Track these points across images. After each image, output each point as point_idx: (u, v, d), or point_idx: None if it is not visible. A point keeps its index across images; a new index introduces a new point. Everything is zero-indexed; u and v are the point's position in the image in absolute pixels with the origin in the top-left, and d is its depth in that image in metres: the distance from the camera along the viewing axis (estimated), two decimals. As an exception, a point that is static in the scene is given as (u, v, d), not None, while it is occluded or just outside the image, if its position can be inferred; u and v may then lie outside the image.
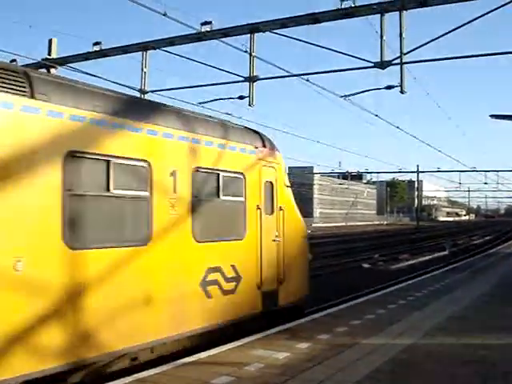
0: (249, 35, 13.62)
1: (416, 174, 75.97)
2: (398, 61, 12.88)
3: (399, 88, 13.34)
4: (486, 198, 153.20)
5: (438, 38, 12.64)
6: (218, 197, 10.61)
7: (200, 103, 16.24)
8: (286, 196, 12.75)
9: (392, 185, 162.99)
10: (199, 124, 10.45)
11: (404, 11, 12.59)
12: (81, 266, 7.72)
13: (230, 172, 10.90)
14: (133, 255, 8.59)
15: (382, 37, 12.79)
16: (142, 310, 8.65)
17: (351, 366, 8.48)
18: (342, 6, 12.70)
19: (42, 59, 15.25)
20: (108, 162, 8.25)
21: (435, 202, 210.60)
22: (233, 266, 10.74)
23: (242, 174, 11.20)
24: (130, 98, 9.85)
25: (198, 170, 10.01)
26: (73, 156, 7.73)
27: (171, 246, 9.37)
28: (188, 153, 9.87)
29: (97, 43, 14.79)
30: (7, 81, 7.19)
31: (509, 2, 11.83)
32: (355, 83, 20.30)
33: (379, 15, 12.77)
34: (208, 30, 13.38)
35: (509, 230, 78.69)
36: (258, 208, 11.64)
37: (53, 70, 15.51)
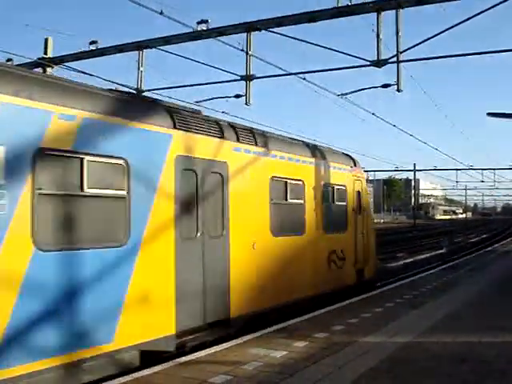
0: (245, 34, 13.61)
1: (413, 172, 75.99)
2: (394, 59, 12.88)
3: (396, 86, 13.35)
4: (482, 196, 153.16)
5: (434, 36, 12.64)
6: (333, 202, 15.63)
7: (197, 102, 16.23)
8: (366, 201, 18.16)
9: (389, 183, 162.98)
10: (324, 153, 15.51)
11: (400, 9, 12.59)
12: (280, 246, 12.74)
13: (339, 185, 15.93)
14: (299, 242, 13.65)
15: (378, 35, 12.79)
16: (299, 279, 13.56)
17: (348, 365, 8.49)
18: (339, 5, 12.70)
19: (38, 58, 15.22)
20: (286, 182, 13.19)
21: (432, 200, 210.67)
22: (341, 250, 15.75)
23: (344, 186, 16.24)
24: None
25: (325, 185, 15.10)
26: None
27: (313, 236, 14.23)
28: (322, 173, 15.03)
29: (93, 42, 14.77)
30: None
31: (503, 2, 11.84)
32: (355, 82, 20.31)
33: (375, 14, 12.78)
34: (204, 28, 13.37)
35: (505, 229, 78.79)
36: (353, 210, 16.70)
37: (49, 70, 15.49)
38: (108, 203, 8.54)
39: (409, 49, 12.78)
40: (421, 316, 12.55)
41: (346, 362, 8.61)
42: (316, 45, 13.83)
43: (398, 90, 13.24)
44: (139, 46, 14.28)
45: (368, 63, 13.05)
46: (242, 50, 13.68)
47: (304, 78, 15.20)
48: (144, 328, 8.81)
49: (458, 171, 48.50)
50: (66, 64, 14.92)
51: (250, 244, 11.63)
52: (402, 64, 13.03)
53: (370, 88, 17.15)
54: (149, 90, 15.22)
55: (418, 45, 12.77)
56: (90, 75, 14.10)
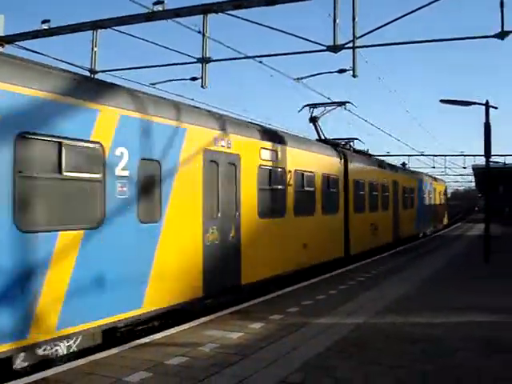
0: (201, 16, 13.47)
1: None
2: (350, 44, 12.96)
3: (352, 72, 13.45)
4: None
5: (390, 22, 12.76)
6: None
7: (152, 84, 16.02)
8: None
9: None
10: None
11: (357, -5, 12.66)
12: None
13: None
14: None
15: (334, 20, 12.82)
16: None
17: (303, 345, 8.63)
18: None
19: (-12, 37, 14.74)
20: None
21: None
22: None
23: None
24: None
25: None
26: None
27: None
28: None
29: (45, 21, 14.38)
30: None
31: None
32: (314, 66, 20.39)
33: (333, -1, 12.81)
34: (160, 9, 13.17)
35: (454, 214, 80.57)
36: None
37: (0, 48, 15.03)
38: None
39: (365, 34, 12.86)
40: (374, 298, 12.82)
41: (301, 343, 8.74)
42: (273, 28, 13.78)
43: (354, 76, 13.34)
44: (94, 25, 13.97)
45: (324, 48, 13.09)
46: (199, 32, 13.55)
47: (261, 62, 15.16)
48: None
49: (410, 157, 49.29)
50: (18, 43, 14.51)
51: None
52: (366, 49, 13.12)
53: (326, 73, 17.29)
54: (103, 71, 14.95)
55: (373, 31, 12.85)
56: (43, 55, 13.76)
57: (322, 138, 23.16)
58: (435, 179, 45.50)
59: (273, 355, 8.02)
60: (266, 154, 14.34)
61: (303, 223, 16.37)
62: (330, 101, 23.00)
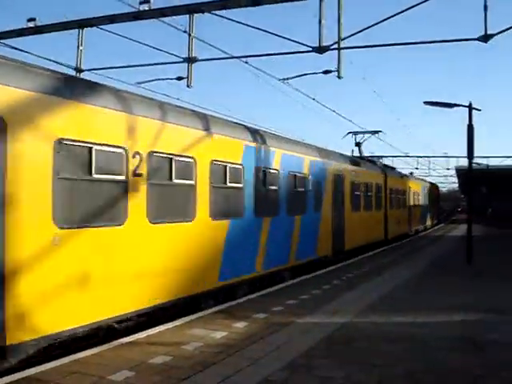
0: (187, 15, 13.50)
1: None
2: (336, 46, 13.04)
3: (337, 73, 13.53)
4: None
5: (377, 24, 12.86)
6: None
7: (138, 83, 16.02)
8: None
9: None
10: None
11: (343, -3, 12.74)
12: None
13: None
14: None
15: (320, 21, 12.91)
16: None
17: (287, 344, 8.68)
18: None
19: (-28, 34, 14.66)
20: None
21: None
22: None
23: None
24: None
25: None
26: None
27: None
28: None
29: (31, 19, 14.34)
30: None
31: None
32: (300, 67, 20.45)
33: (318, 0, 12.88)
34: (146, 8, 13.19)
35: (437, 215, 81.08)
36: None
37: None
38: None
39: (350, 36, 12.96)
40: (357, 297, 12.91)
41: (285, 342, 8.79)
42: (259, 29, 13.83)
43: (339, 77, 13.42)
44: (80, 24, 13.95)
45: (310, 49, 13.17)
46: (185, 32, 13.58)
47: (246, 62, 15.21)
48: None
49: (394, 158, 49.65)
50: (2, 41, 14.45)
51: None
52: (345, 51, 13.21)
53: (312, 74, 17.34)
54: (89, 70, 14.93)
55: (358, 32, 12.96)
56: (28, 53, 13.72)
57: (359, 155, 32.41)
58: (431, 183, 50.02)
59: (257, 354, 8.06)
60: (359, 175, 24.39)
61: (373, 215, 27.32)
62: (366, 130, 33.15)
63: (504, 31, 11.97)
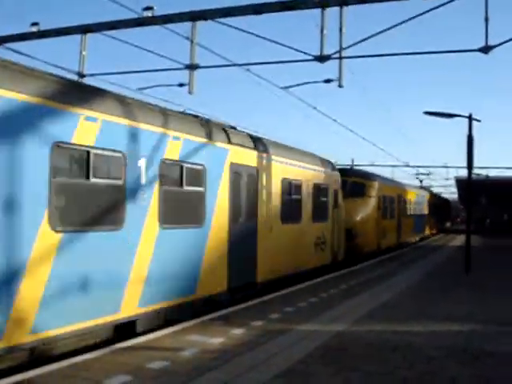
0: (190, 23, 13.56)
1: (350, 167, 77.28)
2: (337, 55, 13.10)
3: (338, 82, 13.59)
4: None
5: (378, 34, 12.92)
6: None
7: (140, 89, 16.10)
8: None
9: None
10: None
11: (345, 6, 12.81)
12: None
13: (324, 185, 20.68)
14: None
15: (322, 31, 12.96)
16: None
17: (284, 351, 8.70)
18: (284, -1, 12.80)
19: (-25, 38, 14.72)
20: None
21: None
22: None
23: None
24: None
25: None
26: None
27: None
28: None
29: (34, 24, 14.40)
30: None
31: (446, 3, 12.22)
32: (299, 76, 20.57)
33: (320, 9, 12.94)
34: (150, 15, 13.25)
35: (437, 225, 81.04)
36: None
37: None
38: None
39: (352, 45, 13.01)
40: (354, 305, 12.93)
41: (282, 349, 8.81)
42: (260, 37, 13.89)
43: (340, 86, 13.48)
44: (84, 29, 14.01)
45: (311, 58, 13.22)
46: (187, 39, 13.64)
47: (248, 70, 15.29)
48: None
49: (395, 168, 49.84)
50: (6, 45, 14.50)
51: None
52: (346, 60, 13.27)
53: (313, 83, 17.43)
54: (91, 75, 14.98)
55: (360, 42, 13.00)
56: (31, 57, 13.78)
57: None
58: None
59: (254, 361, 8.09)
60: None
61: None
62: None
63: (505, 43, 12.03)
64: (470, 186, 22.61)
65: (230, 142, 13.51)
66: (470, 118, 20.87)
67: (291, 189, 17.07)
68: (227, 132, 13.60)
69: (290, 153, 17.40)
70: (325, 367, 7.87)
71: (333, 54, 13.04)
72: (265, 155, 15.28)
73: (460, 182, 50.19)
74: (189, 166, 11.63)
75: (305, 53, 13.25)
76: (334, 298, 14.12)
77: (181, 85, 15.59)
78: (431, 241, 47.67)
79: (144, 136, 10.23)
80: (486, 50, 12.13)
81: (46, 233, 8.04)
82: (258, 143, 15.17)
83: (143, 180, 10.15)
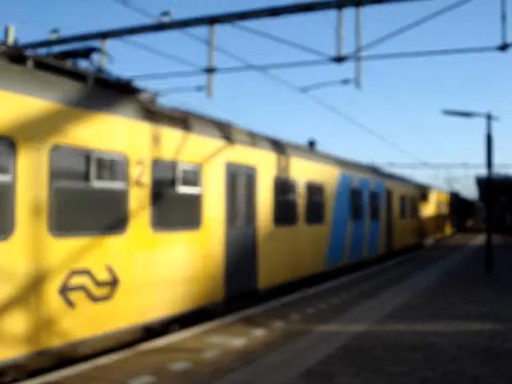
0: (208, 26, 13.68)
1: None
2: (354, 56, 13.12)
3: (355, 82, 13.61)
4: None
5: (395, 33, 12.92)
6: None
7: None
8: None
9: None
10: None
11: (361, 7, 12.84)
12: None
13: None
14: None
15: (338, 32, 13.02)
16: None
17: (306, 352, 8.74)
18: (300, 1, 12.87)
19: (-3, 45, 14.95)
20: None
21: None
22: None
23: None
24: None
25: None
26: None
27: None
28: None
29: (54, 31, 14.62)
30: None
31: (461, 3, 12.20)
32: (316, 76, 20.60)
33: (336, 10, 12.98)
34: (167, 20, 13.39)
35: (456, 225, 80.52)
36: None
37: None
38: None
39: (369, 46, 13.03)
40: (375, 306, 12.92)
41: (303, 350, 8.86)
42: (277, 39, 13.97)
43: (357, 87, 13.50)
44: (103, 35, 14.18)
45: (328, 59, 13.26)
46: (205, 42, 13.74)
47: (265, 72, 15.35)
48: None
49: (414, 167, 49.44)
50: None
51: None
52: (364, 61, 13.28)
53: (330, 83, 17.42)
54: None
55: (377, 42, 13.02)
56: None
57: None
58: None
59: (275, 362, 8.14)
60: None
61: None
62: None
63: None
64: (489, 184, 22.46)
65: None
66: (488, 116, 20.74)
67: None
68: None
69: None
70: (346, 368, 7.90)
71: (350, 54, 13.07)
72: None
73: (480, 181, 49.76)
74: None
75: (322, 54, 13.29)
76: (354, 298, 14.11)
77: (199, 88, 15.69)
78: (452, 240, 47.34)
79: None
80: (503, 48, 12.09)
81: None
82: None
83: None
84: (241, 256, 12.92)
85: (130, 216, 9.30)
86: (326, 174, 18.62)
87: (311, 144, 21.90)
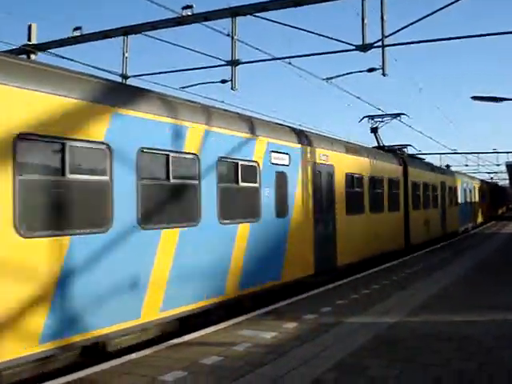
0: (230, 19, 13.60)
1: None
2: (379, 43, 12.93)
3: (381, 70, 13.42)
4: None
5: (419, 20, 12.71)
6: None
7: (182, 88, 16.20)
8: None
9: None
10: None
11: (385, -6, 12.64)
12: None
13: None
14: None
15: (363, 20, 12.82)
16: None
17: (337, 344, 8.64)
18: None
19: (23, 45, 15.08)
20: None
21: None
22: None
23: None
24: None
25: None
26: None
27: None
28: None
29: (77, 28, 14.68)
30: None
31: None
32: (341, 66, 20.37)
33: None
34: (189, 13, 13.34)
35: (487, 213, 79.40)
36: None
37: (32, 56, 15.37)
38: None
39: (394, 33, 12.83)
40: (408, 296, 12.75)
41: (334, 342, 8.75)
42: (301, 29, 13.82)
43: (384, 74, 13.31)
44: (125, 31, 14.20)
45: (353, 47, 13.09)
46: (228, 35, 13.67)
47: (289, 63, 15.21)
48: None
49: (443, 155, 48.74)
50: (50, 50, 14.83)
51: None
52: (388, 48, 13.08)
53: (356, 72, 17.24)
54: (134, 76, 15.19)
55: (402, 29, 12.81)
56: (74, 61, 14.04)
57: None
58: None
59: (306, 355, 8.05)
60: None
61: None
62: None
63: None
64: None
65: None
66: (518, 101, 20.29)
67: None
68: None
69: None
70: (378, 359, 7.78)
71: (375, 42, 12.88)
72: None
73: (511, 168, 48.89)
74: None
75: (346, 43, 13.13)
76: (386, 289, 13.95)
77: (223, 81, 15.61)
78: (483, 228, 46.67)
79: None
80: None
81: None
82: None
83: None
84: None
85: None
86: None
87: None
